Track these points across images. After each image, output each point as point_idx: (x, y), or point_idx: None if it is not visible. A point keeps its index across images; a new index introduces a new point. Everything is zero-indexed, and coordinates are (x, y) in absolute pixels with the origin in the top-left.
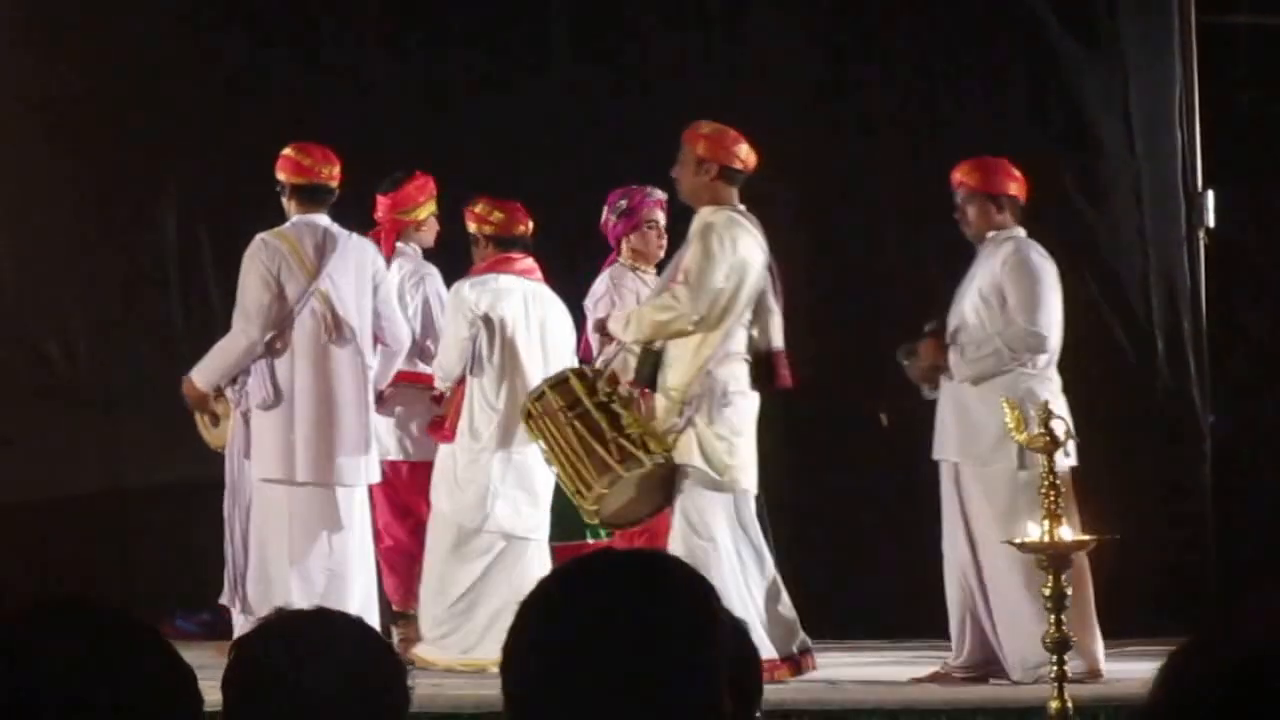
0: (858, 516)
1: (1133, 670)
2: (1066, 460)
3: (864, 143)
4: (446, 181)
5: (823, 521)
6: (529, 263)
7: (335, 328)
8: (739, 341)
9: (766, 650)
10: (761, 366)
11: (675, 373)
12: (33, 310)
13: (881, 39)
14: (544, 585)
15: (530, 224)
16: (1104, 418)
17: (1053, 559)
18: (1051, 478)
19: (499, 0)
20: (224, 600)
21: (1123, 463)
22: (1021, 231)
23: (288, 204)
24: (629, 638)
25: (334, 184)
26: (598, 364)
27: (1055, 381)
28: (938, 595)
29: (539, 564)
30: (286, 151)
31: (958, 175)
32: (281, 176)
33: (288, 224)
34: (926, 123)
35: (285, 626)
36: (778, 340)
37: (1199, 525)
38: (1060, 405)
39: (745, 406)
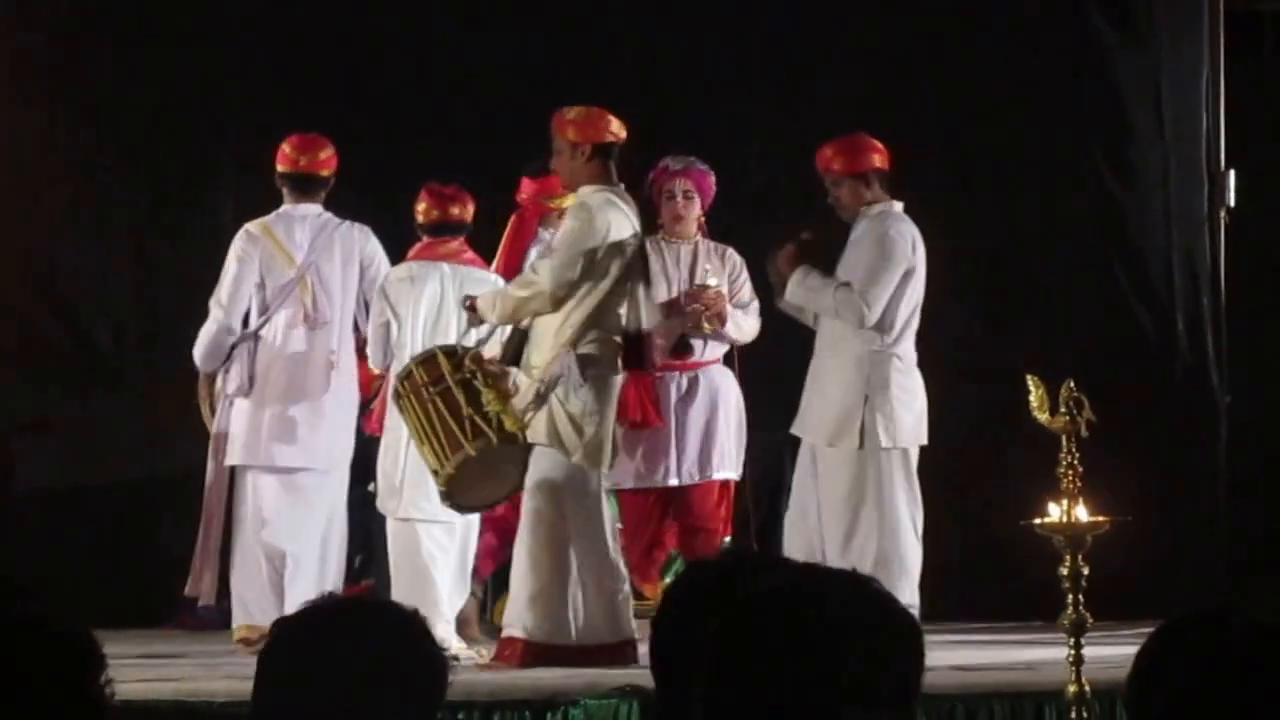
0: None
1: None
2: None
3: (899, 125)
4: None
5: None
6: (454, 246)
7: (315, 316)
8: (605, 322)
9: (562, 635)
10: (631, 347)
11: (538, 352)
12: (85, 295)
13: (910, 22)
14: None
15: (469, 207)
16: (1121, 396)
17: (1069, 539)
18: (1071, 458)
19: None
20: (189, 591)
21: (1139, 442)
22: (895, 205)
23: (285, 194)
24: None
25: (325, 172)
26: (469, 342)
27: (909, 358)
28: (944, 578)
29: (437, 546)
30: (282, 144)
31: (822, 162)
32: (277, 168)
33: (273, 214)
34: (957, 106)
35: (325, 610)
36: (648, 321)
37: (1214, 506)
38: (911, 385)
39: (605, 388)
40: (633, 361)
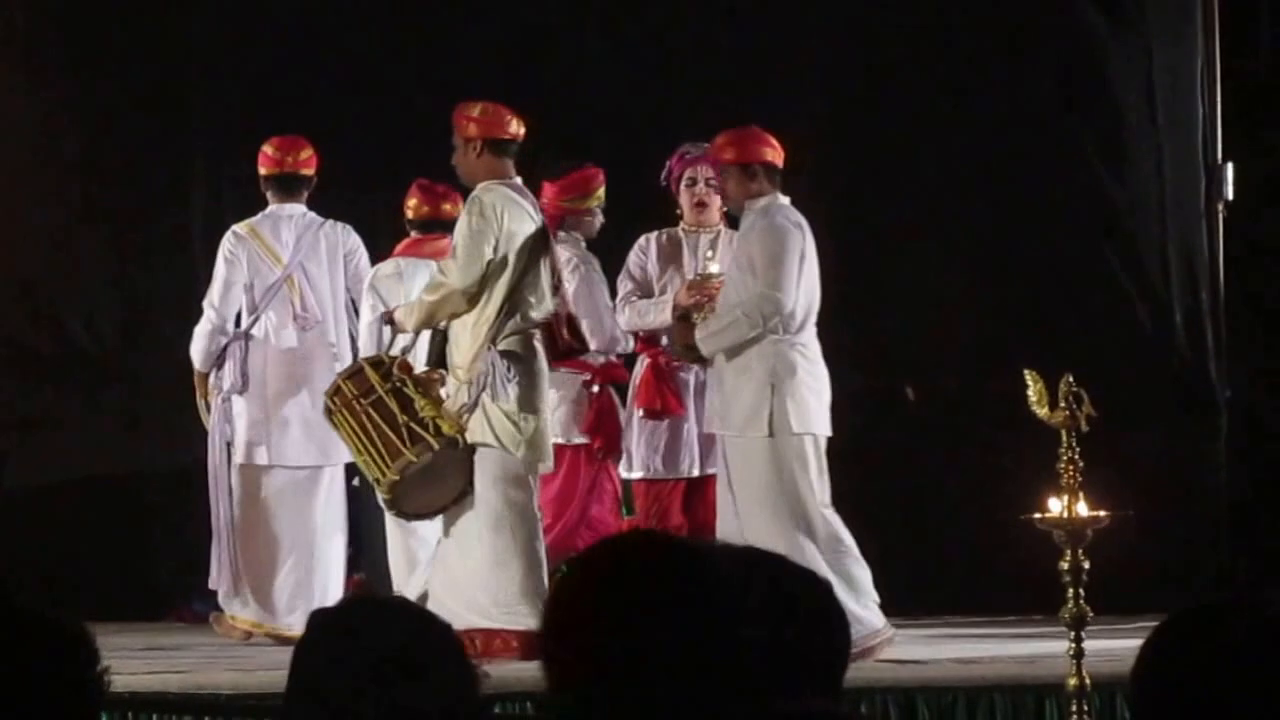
0: (877, 496)
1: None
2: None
3: (891, 117)
4: None
5: (841, 502)
6: (444, 243)
7: (304, 314)
8: (519, 315)
9: (489, 620)
10: (545, 334)
11: (459, 352)
12: (60, 291)
13: (906, 12)
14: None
15: (460, 205)
16: (1119, 389)
17: (1069, 534)
18: (1071, 452)
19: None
20: (211, 584)
21: (1137, 435)
22: (781, 199)
23: (269, 195)
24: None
25: (306, 172)
26: (393, 351)
27: (812, 348)
28: (952, 572)
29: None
30: (263, 146)
31: (713, 151)
32: (260, 170)
33: (259, 215)
34: (951, 98)
35: (360, 608)
36: (562, 308)
37: (1213, 499)
38: (818, 373)
39: (534, 380)
40: (553, 350)
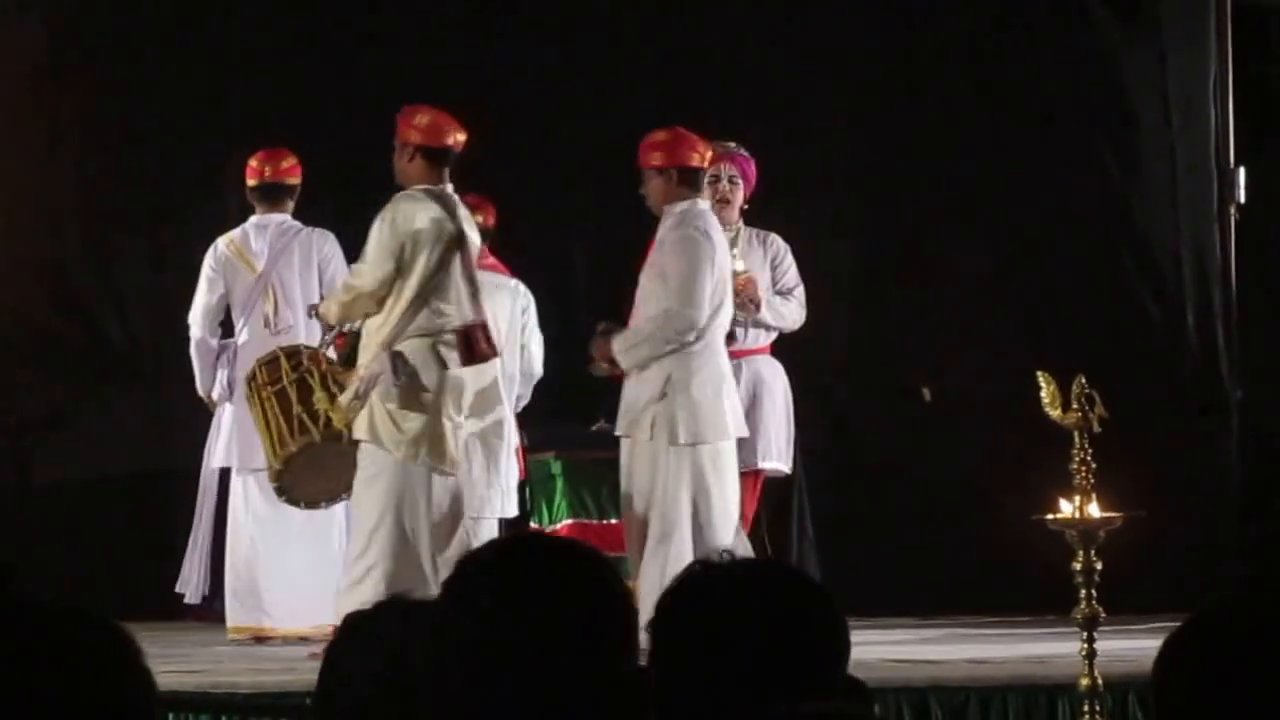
0: (890, 495)
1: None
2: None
3: (908, 118)
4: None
5: (855, 501)
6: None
7: (276, 321)
8: (423, 319)
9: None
10: (461, 340)
11: (365, 351)
12: (96, 289)
13: (922, 19)
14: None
15: (490, 215)
16: (1132, 390)
17: (1082, 534)
18: (1083, 453)
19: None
20: (179, 588)
21: (1150, 436)
22: (700, 203)
23: (255, 206)
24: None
25: (290, 180)
26: (320, 346)
27: (710, 355)
28: (965, 572)
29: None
30: (249, 160)
31: (640, 153)
32: (246, 182)
33: (239, 228)
34: (967, 103)
35: (394, 611)
36: (474, 314)
37: (1226, 500)
38: (717, 378)
39: (425, 384)
40: (464, 354)
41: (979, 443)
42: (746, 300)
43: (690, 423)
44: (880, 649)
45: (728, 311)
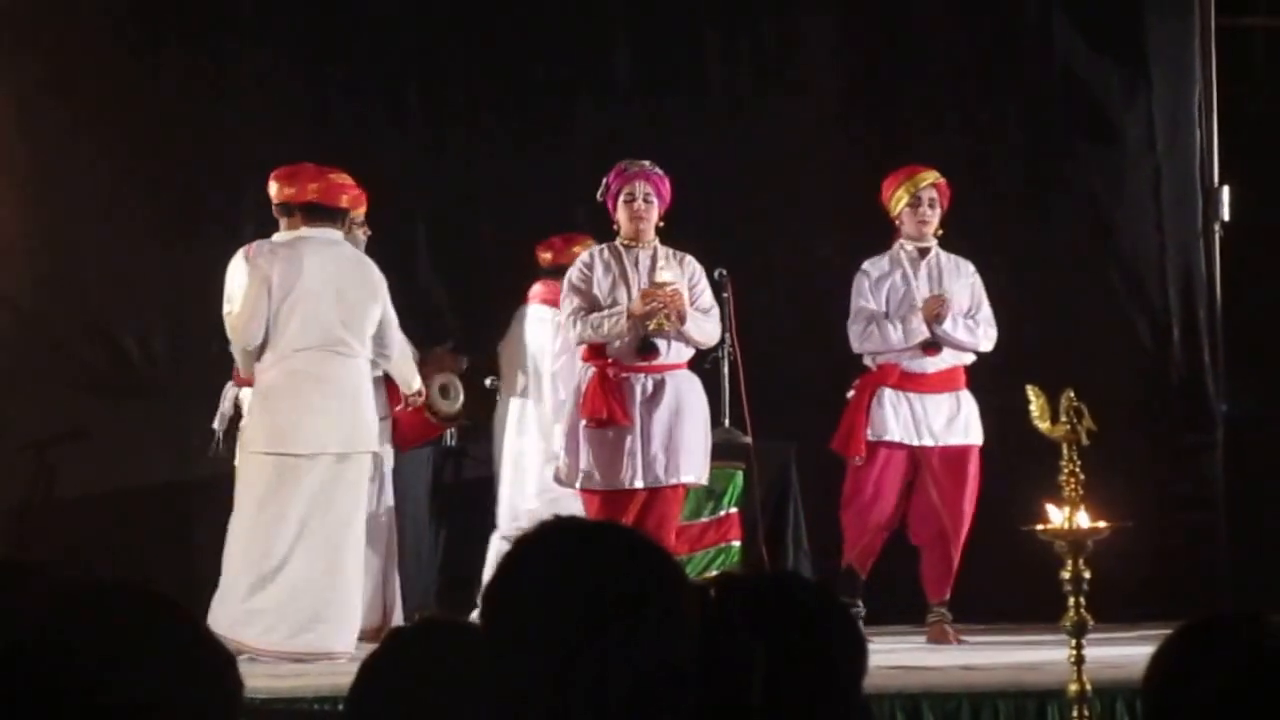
0: None
1: (1146, 656)
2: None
3: (890, 141)
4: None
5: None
6: (535, 288)
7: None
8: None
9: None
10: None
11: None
12: (114, 307)
13: (909, 42)
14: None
15: (548, 254)
16: (1119, 404)
17: (1071, 544)
18: (1072, 465)
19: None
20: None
21: (1137, 449)
22: (303, 231)
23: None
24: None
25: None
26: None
27: (286, 368)
28: (956, 581)
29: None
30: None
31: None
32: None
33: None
34: (954, 126)
35: (438, 630)
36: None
37: (1211, 512)
38: (305, 390)
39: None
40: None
41: None
42: (673, 312)
43: (271, 433)
44: (875, 657)
45: (290, 332)
